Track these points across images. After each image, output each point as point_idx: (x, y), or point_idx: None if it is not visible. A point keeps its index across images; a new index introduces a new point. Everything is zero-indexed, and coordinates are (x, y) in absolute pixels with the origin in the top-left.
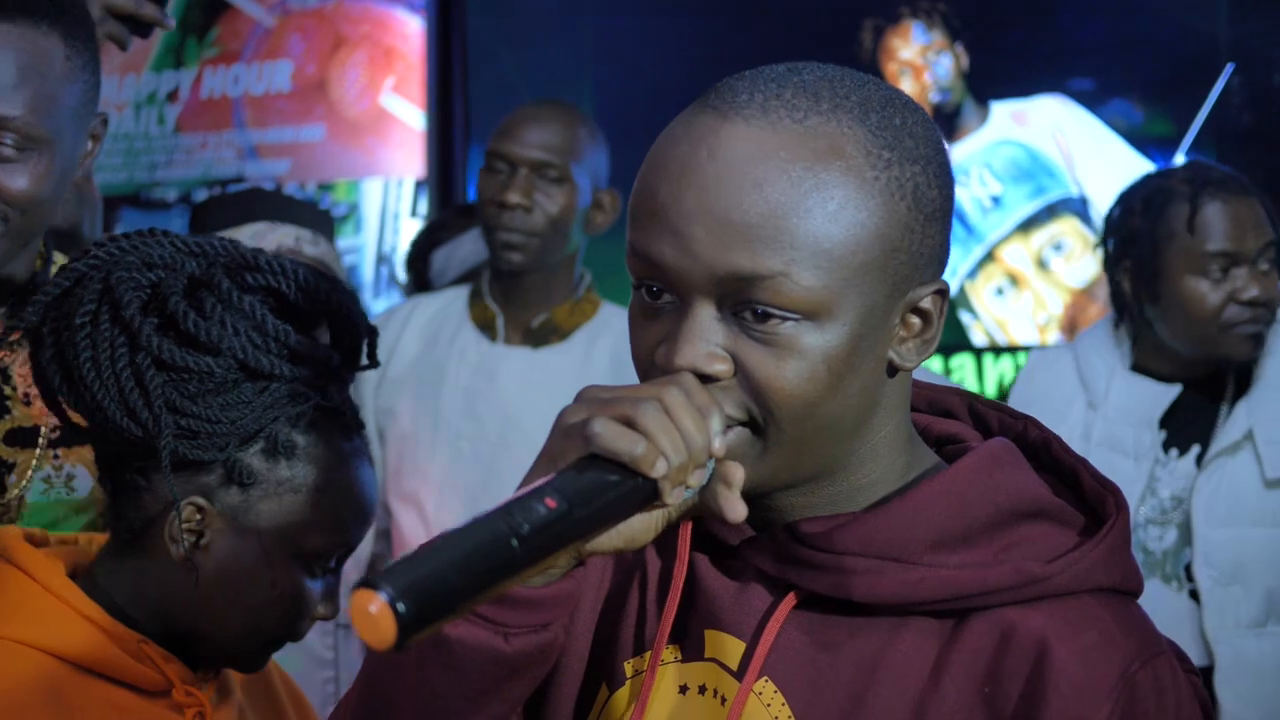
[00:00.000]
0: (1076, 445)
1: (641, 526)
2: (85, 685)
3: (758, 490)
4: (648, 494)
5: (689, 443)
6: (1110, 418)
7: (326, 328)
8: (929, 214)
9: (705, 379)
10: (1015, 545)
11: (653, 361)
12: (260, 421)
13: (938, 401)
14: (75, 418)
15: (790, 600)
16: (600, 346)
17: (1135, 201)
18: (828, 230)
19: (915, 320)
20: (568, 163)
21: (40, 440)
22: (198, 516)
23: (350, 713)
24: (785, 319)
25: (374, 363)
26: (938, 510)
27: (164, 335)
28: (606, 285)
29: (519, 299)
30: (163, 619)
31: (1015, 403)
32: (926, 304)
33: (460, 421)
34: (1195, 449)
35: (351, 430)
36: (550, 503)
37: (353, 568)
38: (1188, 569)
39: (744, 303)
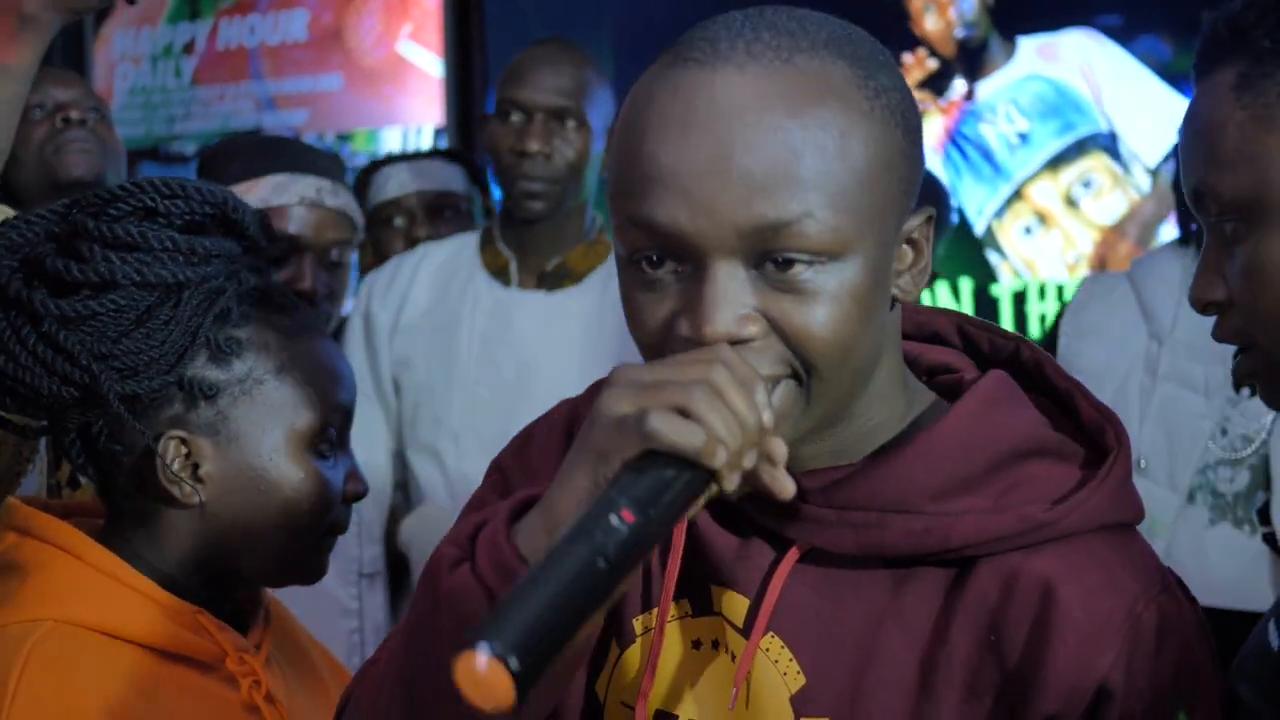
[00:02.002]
0: (1139, 379)
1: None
2: (152, 666)
3: (796, 439)
4: (706, 483)
5: (743, 424)
6: (1178, 351)
7: (216, 226)
8: (912, 136)
9: (736, 343)
10: (1018, 486)
11: (666, 336)
12: (189, 331)
13: (926, 325)
14: (20, 421)
15: (793, 555)
16: (614, 288)
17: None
18: (840, 166)
19: (908, 250)
20: (583, 106)
21: None
22: (183, 450)
23: (380, 710)
24: (810, 263)
25: (272, 240)
26: (939, 459)
27: (59, 297)
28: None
29: (532, 244)
30: (205, 570)
31: (1066, 334)
32: (917, 233)
33: (477, 368)
34: None
35: (288, 307)
36: (628, 516)
37: (375, 513)
38: (1261, 513)
39: (767, 254)
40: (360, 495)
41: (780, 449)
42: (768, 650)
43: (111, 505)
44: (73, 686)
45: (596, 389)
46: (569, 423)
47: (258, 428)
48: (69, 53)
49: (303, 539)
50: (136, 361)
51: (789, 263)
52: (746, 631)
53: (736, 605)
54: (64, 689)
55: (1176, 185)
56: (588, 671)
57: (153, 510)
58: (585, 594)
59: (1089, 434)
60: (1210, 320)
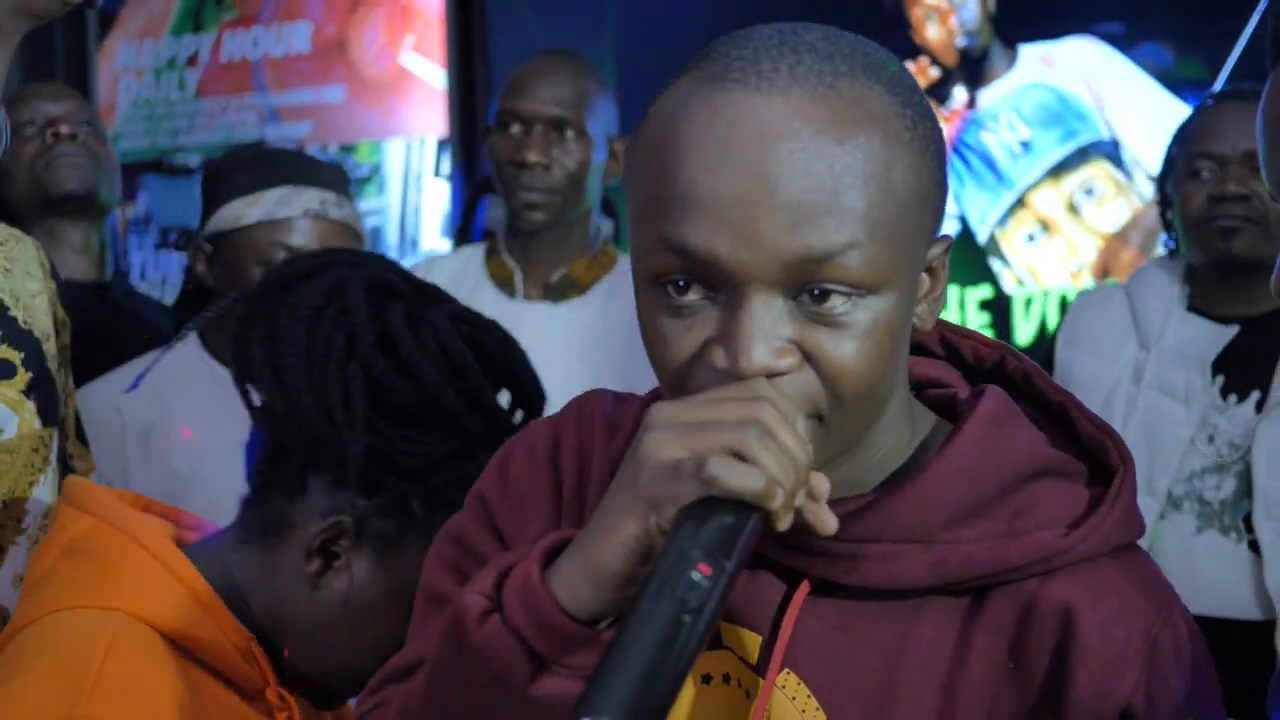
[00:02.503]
0: (1126, 388)
1: None
2: (203, 680)
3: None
4: (762, 525)
5: (795, 463)
6: (1163, 359)
7: (506, 389)
8: (942, 164)
9: (772, 375)
10: (1027, 510)
11: (694, 365)
12: (439, 466)
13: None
14: (252, 400)
15: (804, 589)
16: (619, 299)
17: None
18: (883, 196)
19: (926, 278)
20: (582, 116)
21: None
22: (346, 539)
23: None
24: (848, 296)
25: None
26: (949, 487)
27: (380, 352)
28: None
29: (537, 255)
30: (268, 620)
31: (1060, 344)
32: (936, 261)
33: None
34: (1255, 395)
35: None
36: (705, 569)
37: None
38: (1247, 519)
39: (807, 286)
40: None
41: (824, 484)
42: (784, 687)
43: (247, 511)
44: (147, 684)
45: (575, 406)
46: (551, 447)
47: (409, 575)
48: (72, 66)
49: (352, 675)
50: (390, 452)
51: (826, 294)
52: (761, 669)
53: (747, 641)
54: (141, 686)
55: (1162, 193)
56: None
57: (270, 546)
58: (678, 654)
59: (1088, 449)
60: (1195, 328)
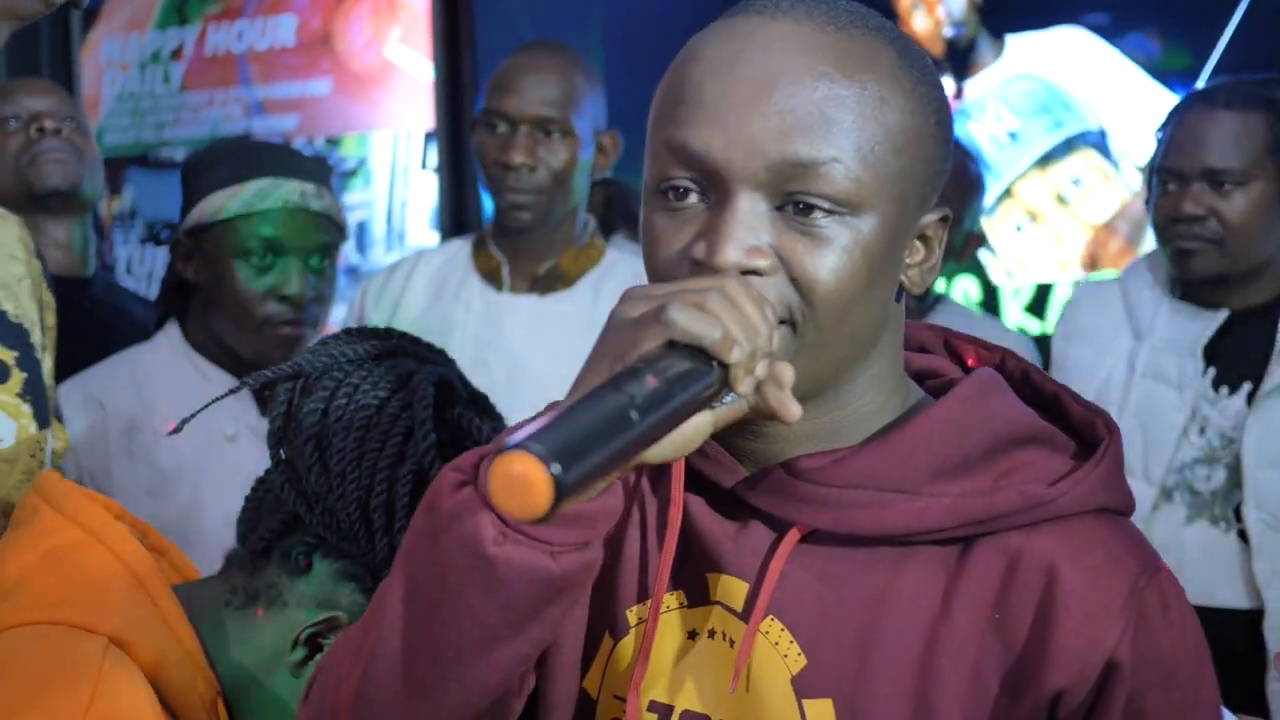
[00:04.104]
0: (1121, 378)
1: (694, 432)
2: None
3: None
4: (719, 384)
5: (755, 329)
6: (1155, 347)
7: None
8: (944, 139)
9: (746, 273)
10: (1013, 471)
11: (680, 263)
12: None
13: (913, 338)
14: (280, 457)
15: (793, 537)
16: (606, 291)
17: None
18: (874, 125)
19: (919, 246)
20: (569, 115)
21: None
22: (334, 632)
23: (361, 657)
24: (828, 212)
25: None
26: (936, 440)
27: (439, 458)
28: None
29: (524, 248)
30: (234, 689)
31: (1060, 335)
32: (930, 230)
33: (469, 371)
34: (1246, 387)
35: None
36: (652, 380)
37: None
38: (1237, 510)
39: (790, 195)
40: None
41: (787, 372)
42: (767, 633)
43: (236, 571)
44: (137, 716)
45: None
46: None
47: None
48: (56, 60)
49: None
50: None
51: (809, 208)
52: (746, 615)
53: (734, 590)
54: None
55: (1149, 190)
56: (579, 667)
57: (254, 615)
58: (616, 435)
59: (1078, 430)
60: (1185, 315)
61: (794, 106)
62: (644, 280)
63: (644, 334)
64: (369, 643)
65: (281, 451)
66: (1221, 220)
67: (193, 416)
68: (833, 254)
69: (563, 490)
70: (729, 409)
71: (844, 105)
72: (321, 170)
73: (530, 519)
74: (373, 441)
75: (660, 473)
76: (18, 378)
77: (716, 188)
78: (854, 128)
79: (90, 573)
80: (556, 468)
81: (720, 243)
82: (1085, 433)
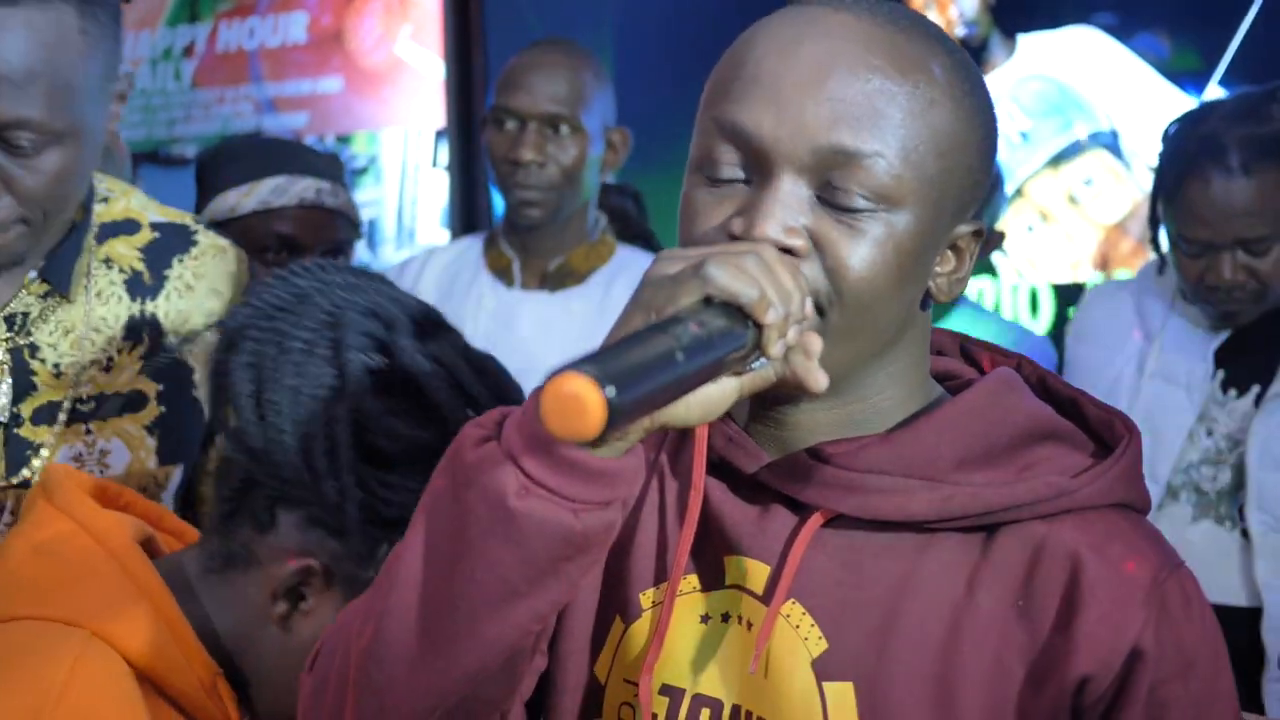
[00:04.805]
0: (1130, 378)
1: (719, 397)
2: (158, 708)
3: (794, 389)
4: (751, 346)
5: (788, 294)
6: (1165, 349)
7: None
8: (987, 152)
9: (782, 250)
10: (1035, 464)
11: (719, 237)
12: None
13: (931, 342)
14: (228, 423)
15: (816, 520)
16: (617, 288)
17: (1166, 144)
18: (921, 125)
19: (950, 255)
20: (578, 112)
21: (61, 415)
22: (313, 580)
23: (374, 614)
24: (867, 205)
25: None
26: (961, 430)
27: (374, 396)
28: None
29: (535, 245)
30: (236, 655)
31: (1073, 336)
32: (963, 242)
33: None
34: (1255, 389)
35: None
36: (695, 327)
37: None
38: (1242, 509)
39: (831, 182)
40: None
41: (816, 342)
42: (788, 616)
43: (212, 536)
44: (106, 713)
45: None
46: None
47: None
48: None
49: None
50: (369, 501)
51: (848, 198)
52: (766, 598)
53: (754, 573)
54: (100, 713)
55: (1153, 212)
56: (589, 651)
57: (233, 580)
58: (665, 374)
59: (1096, 431)
60: (1196, 318)
61: (846, 95)
62: None
63: (682, 289)
64: (381, 601)
65: (221, 412)
66: (1259, 278)
67: None
68: (866, 245)
69: (615, 413)
70: (756, 375)
71: (894, 101)
72: (335, 167)
73: (581, 440)
74: (306, 388)
75: (678, 457)
76: (152, 410)
77: (761, 167)
78: (901, 125)
79: (75, 565)
80: (611, 390)
81: (759, 219)
82: (1103, 433)
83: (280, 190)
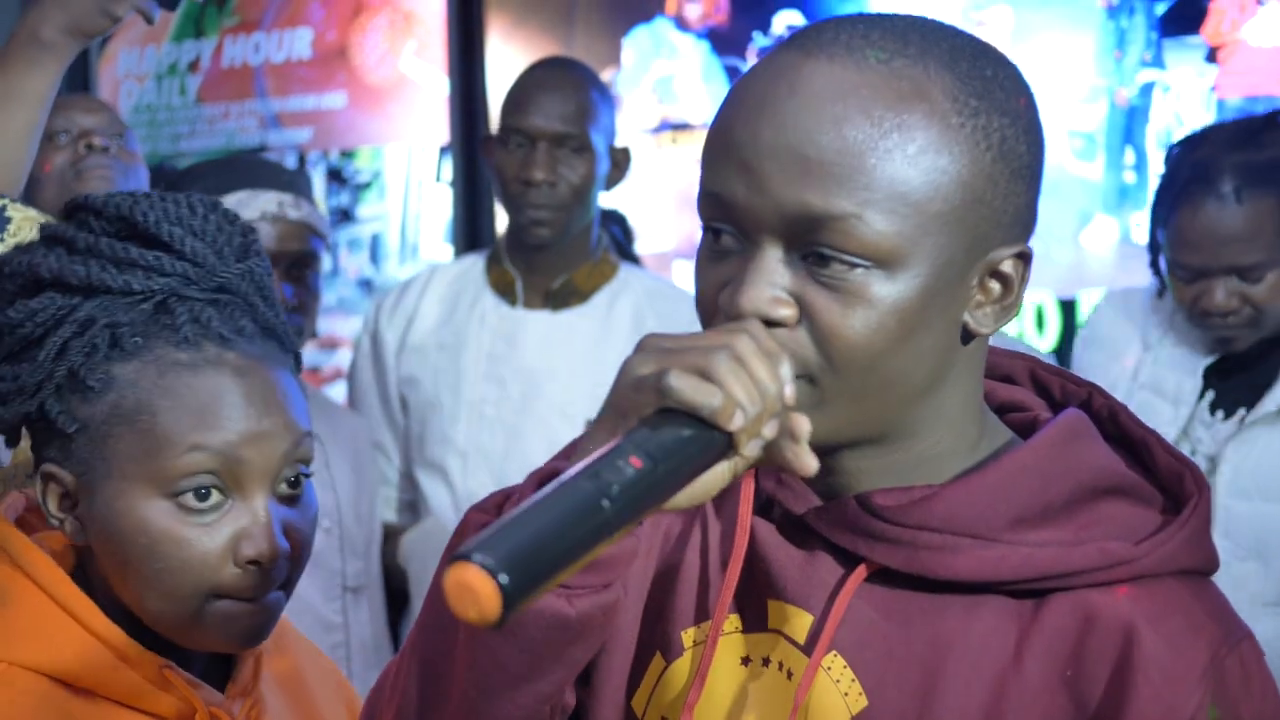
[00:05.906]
0: (1125, 386)
1: (710, 481)
2: (111, 714)
3: (817, 445)
4: (724, 447)
5: (763, 392)
6: (1159, 360)
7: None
8: (1014, 170)
9: (769, 324)
10: (1096, 524)
11: (717, 305)
12: (58, 364)
13: (998, 366)
14: None
15: (861, 573)
16: (620, 307)
17: (1165, 168)
18: (906, 174)
19: (994, 284)
20: (586, 130)
21: None
22: (58, 488)
23: (398, 689)
24: (855, 265)
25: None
26: (1018, 486)
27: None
28: None
29: (539, 263)
30: (134, 618)
31: (1080, 340)
32: (1007, 267)
33: (483, 386)
34: (1241, 413)
35: (190, 341)
36: (635, 461)
37: (356, 527)
38: None
39: (812, 246)
40: (257, 559)
41: (803, 425)
42: (829, 669)
43: None
44: None
45: (572, 448)
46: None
47: (117, 470)
48: (74, 71)
49: (174, 601)
50: (5, 387)
51: (829, 260)
52: (808, 649)
53: (797, 621)
54: None
55: (1153, 238)
56: (626, 686)
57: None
58: (582, 527)
59: (1165, 482)
60: (1194, 333)
61: (810, 154)
62: (656, 296)
63: (643, 398)
64: (401, 682)
65: None
66: (1254, 304)
67: None
68: (858, 309)
69: (511, 601)
70: (746, 459)
71: (869, 154)
72: (299, 181)
73: (487, 626)
74: None
75: (724, 495)
76: None
77: (745, 235)
78: (881, 179)
79: None
80: (504, 578)
81: (740, 292)
82: (1172, 486)
83: (243, 204)
